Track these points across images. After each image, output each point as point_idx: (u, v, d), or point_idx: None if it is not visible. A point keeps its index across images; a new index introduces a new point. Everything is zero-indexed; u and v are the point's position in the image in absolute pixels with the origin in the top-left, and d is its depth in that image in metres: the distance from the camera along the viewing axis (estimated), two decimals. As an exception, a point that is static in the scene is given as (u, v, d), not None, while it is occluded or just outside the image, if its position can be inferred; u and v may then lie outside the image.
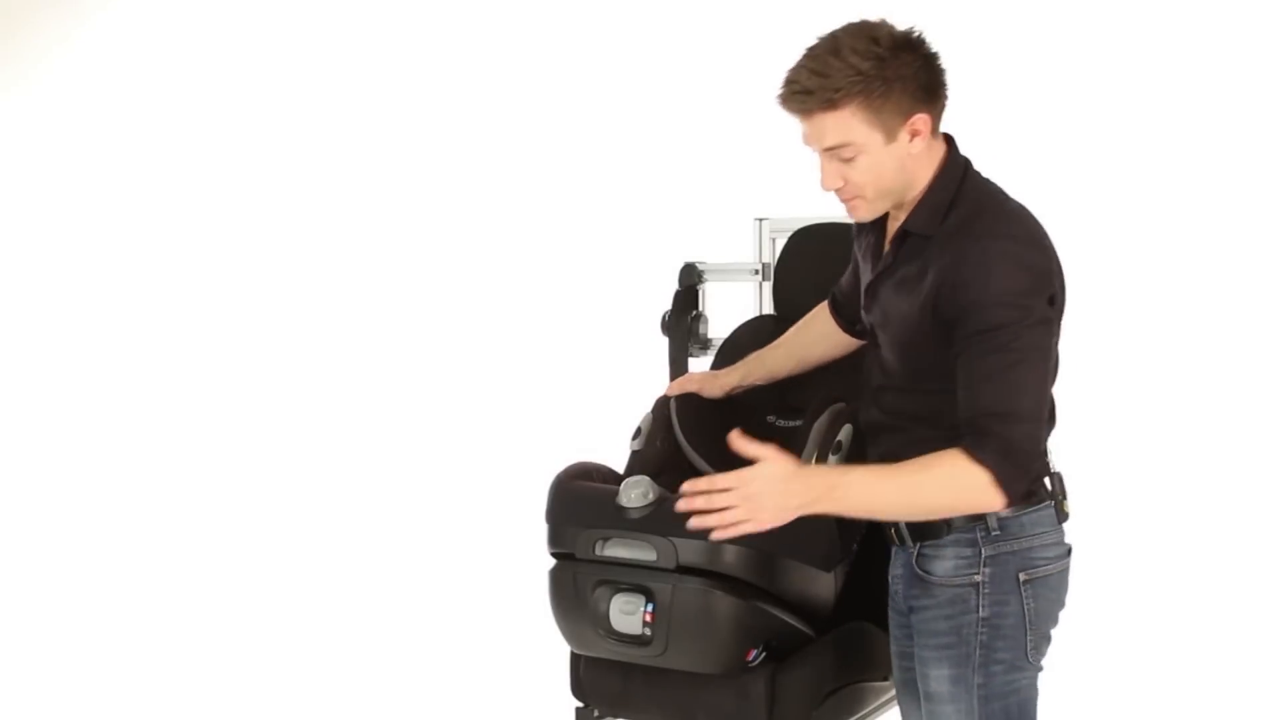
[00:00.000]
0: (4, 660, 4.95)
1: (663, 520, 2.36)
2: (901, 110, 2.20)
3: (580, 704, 2.58)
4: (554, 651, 2.60)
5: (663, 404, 2.69)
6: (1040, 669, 2.33)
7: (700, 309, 3.13)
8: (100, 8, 5.89)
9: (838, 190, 2.27)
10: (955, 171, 2.28)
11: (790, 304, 2.81)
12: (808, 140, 2.25)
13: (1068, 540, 2.35)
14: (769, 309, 3.05)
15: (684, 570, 2.33)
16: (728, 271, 3.14)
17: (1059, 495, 2.33)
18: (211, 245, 5.69)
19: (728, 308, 3.10)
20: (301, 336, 5.47)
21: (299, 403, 5.50)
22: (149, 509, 5.69)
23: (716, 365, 2.86)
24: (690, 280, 3.12)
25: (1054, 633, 2.35)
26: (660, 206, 4.67)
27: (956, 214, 2.24)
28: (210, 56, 5.67)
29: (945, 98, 2.26)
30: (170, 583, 5.38)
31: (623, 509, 2.39)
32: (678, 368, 3.09)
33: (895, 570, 2.39)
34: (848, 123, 2.19)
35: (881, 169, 2.23)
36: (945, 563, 2.29)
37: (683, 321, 3.09)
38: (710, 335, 3.13)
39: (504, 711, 4.28)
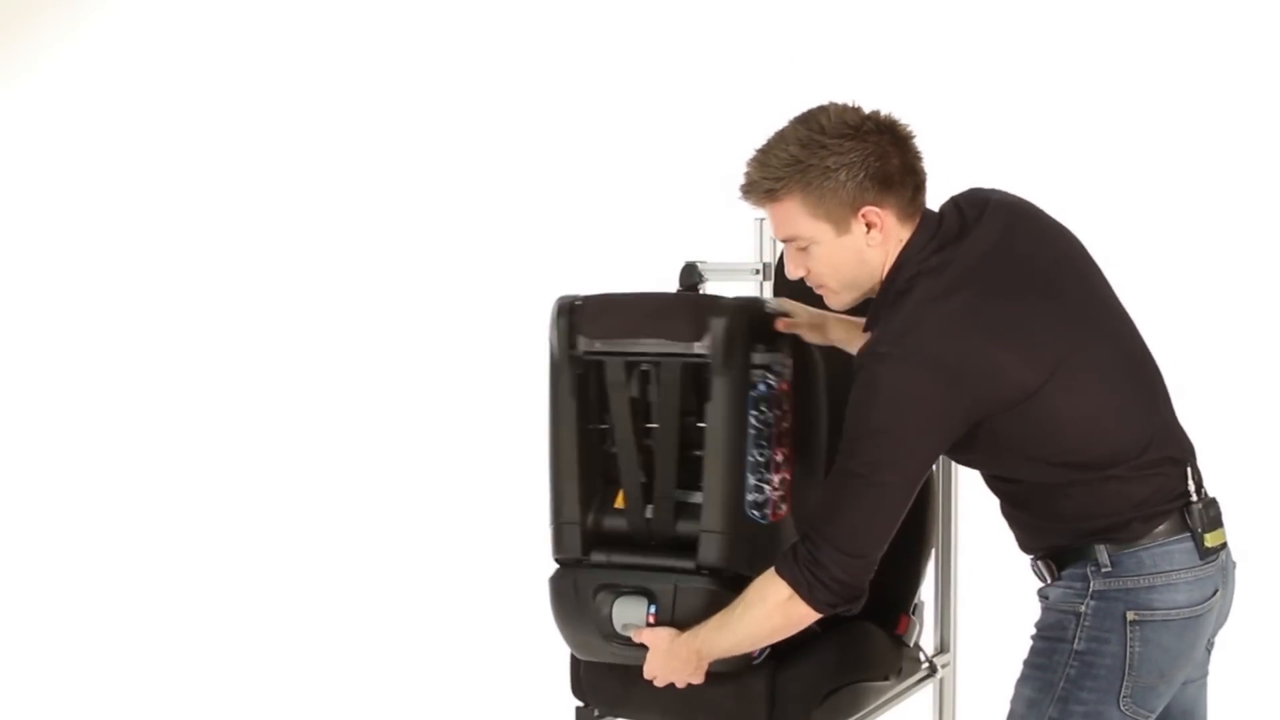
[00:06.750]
0: (4, 660, 4.95)
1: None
2: (848, 201, 2.11)
3: (580, 704, 2.58)
4: (554, 651, 2.60)
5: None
6: None
7: (700, 309, 3.12)
8: (98, 6, 5.89)
9: (804, 278, 2.23)
10: (893, 273, 2.15)
11: (790, 304, 2.80)
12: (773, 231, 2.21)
13: (1212, 583, 2.14)
14: (769, 309, 3.04)
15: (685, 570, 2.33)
16: (728, 271, 3.13)
17: (1198, 528, 2.12)
18: (211, 244, 5.69)
19: (728, 308, 3.09)
20: (301, 336, 5.47)
21: (299, 403, 5.50)
22: (148, 508, 5.69)
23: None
24: (690, 280, 3.10)
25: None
26: (660, 206, 4.67)
27: (878, 326, 2.15)
28: (210, 55, 5.67)
29: (909, 185, 2.13)
30: (170, 583, 5.38)
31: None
32: (677, 368, 3.07)
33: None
34: (791, 215, 2.14)
35: (837, 261, 2.16)
36: (1058, 590, 2.21)
37: (682, 321, 3.07)
38: (710, 335, 3.11)
39: (504, 711, 4.28)
